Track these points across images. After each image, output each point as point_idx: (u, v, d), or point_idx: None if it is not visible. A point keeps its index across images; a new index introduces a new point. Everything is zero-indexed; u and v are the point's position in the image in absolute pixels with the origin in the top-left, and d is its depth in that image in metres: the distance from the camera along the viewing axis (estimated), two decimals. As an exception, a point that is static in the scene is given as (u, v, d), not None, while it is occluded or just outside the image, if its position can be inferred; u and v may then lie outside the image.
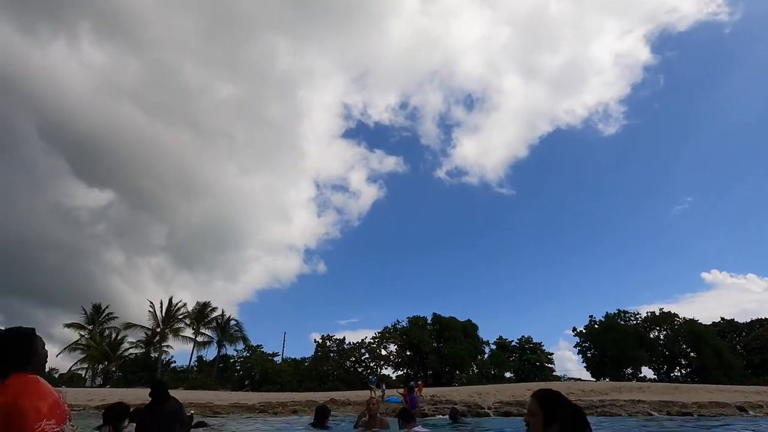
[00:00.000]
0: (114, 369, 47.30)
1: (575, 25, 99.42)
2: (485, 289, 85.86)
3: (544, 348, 53.50)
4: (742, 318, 55.26)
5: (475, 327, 53.19)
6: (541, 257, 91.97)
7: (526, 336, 54.18)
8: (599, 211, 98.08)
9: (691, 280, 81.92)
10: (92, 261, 78.32)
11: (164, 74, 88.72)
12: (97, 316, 49.16)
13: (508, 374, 51.66)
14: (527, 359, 51.80)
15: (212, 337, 48.21)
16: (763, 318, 52.64)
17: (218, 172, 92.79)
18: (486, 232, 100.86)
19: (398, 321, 52.47)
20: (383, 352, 48.22)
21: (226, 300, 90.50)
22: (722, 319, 54.83)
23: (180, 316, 47.27)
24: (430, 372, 50.39)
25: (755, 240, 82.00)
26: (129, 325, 46.45)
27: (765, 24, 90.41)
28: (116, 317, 48.90)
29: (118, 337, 47.94)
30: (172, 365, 48.98)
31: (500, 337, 54.27)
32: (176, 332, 46.32)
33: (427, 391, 30.51)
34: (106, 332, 48.51)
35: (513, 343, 53.96)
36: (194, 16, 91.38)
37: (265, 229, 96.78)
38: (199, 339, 48.28)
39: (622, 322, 51.27)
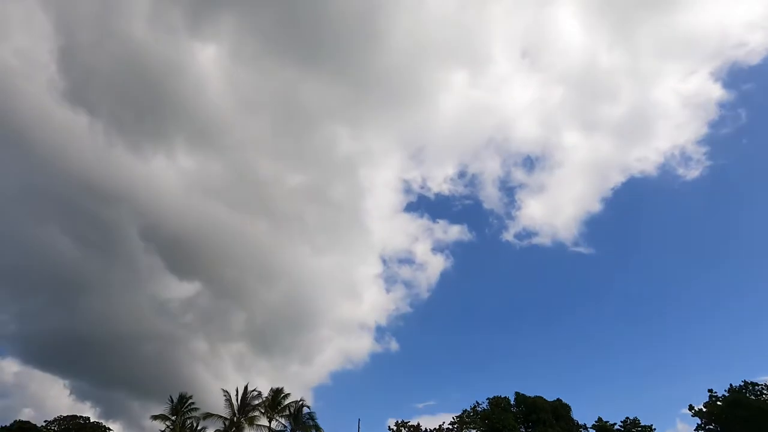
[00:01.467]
0: (193, 462, 47.36)
1: (631, 72, 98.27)
2: (573, 362, 77.38)
3: (655, 431, 45.53)
4: None
5: (567, 408, 47.12)
6: (635, 322, 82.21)
7: (631, 418, 46.68)
8: (696, 264, 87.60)
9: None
10: (182, 350, 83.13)
11: (243, 171, 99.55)
12: (180, 406, 50.72)
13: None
14: (638, 446, 44.11)
15: (286, 426, 47.19)
16: None
17: (292, 255, 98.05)
18: (566, 296, 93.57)
19: (478, 403, 48.15)
20: (464, 440, 43.87)
21: (300, 384, 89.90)
22: None
23: (255, 404, 47.32)
24: (521, 464, 44.48)
25: None
26: (208, 415, 47.14)
27: None
28: (197, 408, 50.04)
29: (198, 428, 48.57)
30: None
31: (599, 419, 47.19)
32: (251, 421, 46.05)
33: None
34: (188, 422, 49.54)
35: (617, 427, 46.55)
36: (266, 114, 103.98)
37: (336, 308, 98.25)
38: (275, 426, 47.53)
39: (753, 396, 42.64)
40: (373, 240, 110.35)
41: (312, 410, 48.44)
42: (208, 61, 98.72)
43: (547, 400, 46.68)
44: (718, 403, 44.01)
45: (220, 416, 47.12)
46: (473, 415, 46.29)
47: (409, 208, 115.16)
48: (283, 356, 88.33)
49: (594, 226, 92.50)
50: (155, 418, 48.55)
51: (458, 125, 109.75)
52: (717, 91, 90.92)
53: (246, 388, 47.25)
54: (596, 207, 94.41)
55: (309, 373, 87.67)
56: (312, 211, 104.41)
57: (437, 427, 44.84)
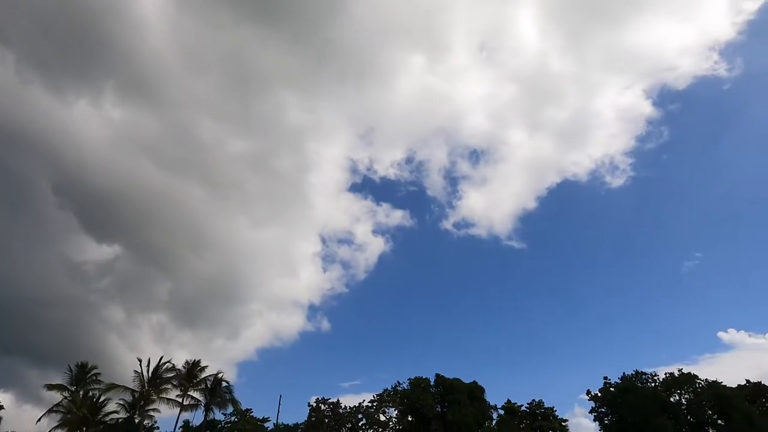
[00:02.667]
0: (93, 436, 43.91)
1: (578, 80, 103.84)
2: (493, 348, 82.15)
3: (556, 413, 49.47)
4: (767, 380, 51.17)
5: (481, 390, 49.69)
6: (553, 315, 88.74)
7: (537, 400, 50.40)
8: (610, 266, 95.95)
9: (708, 339, 78.23)
10: (94, 317, 76.49)
11: (181, 130, 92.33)
12: (83, 375, 46.62)
13: (518, 444, 47.30)
14: (539, 426, 47.63)
15: (200, 400, 45.13)
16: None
17: (228, 225, 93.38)
18: (495, 286, 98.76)
19: (399, 383, 49.31)
20: (382, 418, 44.75)
21: (225, 359, 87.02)
22: (748, 381, 50.83)
23: (168, 377, 44.65)
24: (434, 441, 46.36)
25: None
26: (111, 386, 43.69)
27: (764, 79, 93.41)
28: (101, 380, 46.22)
29: (101, 400, 45.00)
30: (155, 431, 45.54)
31: (508, 401, 50.42)
32: (160, 394, 43.46)
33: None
34: (90, 394, 45.71)
35: (523, 408, 50.03)
36: (214, 72, 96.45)
37: (270, 283, 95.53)
38: (187, 402, 45.30)
39: (640, 384, 47.63)
40: (315, 217, 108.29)
41: (231, 384, 46.66)
42: (151, 4, 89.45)
43: (464, 382, 48.84)
44: (611, 389, 48.72)
45: (127, 388, 43.95)
46: (393, 394, 47.28)
47: (354, 188, 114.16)
48: (209, 330, 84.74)
49: (528, 222, 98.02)
50: (51, 387, 44.18)
51: (411, 110, 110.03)
52: (647, 108, 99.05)
53: (160, 359, 44.27)
54: (531, 204, 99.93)
55: (235, 349, 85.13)
56: (254, 180, 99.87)
57: (357, 405, 45.29)
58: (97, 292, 76.97)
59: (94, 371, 46.67)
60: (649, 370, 49.67)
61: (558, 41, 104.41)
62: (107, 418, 44.77)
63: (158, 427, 46.19)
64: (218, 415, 46.77)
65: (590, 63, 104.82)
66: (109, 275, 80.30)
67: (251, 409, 46.18)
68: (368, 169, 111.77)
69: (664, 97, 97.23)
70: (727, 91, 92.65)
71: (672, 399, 46.86)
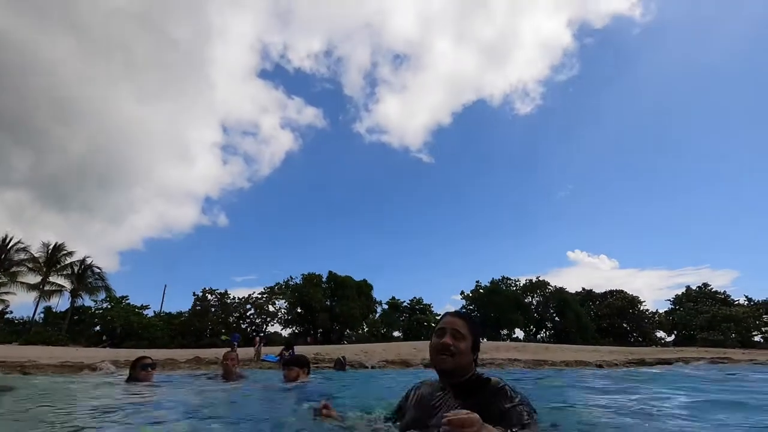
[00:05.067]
0: None
1: None
2: (385, 251, 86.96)
3: (433, 309, 55.71)
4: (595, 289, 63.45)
5: (369, 287, 53.07)
6: (443, 225, 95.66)
7: (417, 297, 55.85)
8: (501, 188, 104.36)
9: (560, 256, 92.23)
10: None
11: None
12: None
13: (397, 333, 52.81)
14: (416, 319, 53.38)
15: (63, 286, 40.79)
16: (614, 290, 61.00)
17: (109, 93, 77.24)
18: (398, 195, 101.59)
19: (291, 277, 50.13)
20: (271, 309, 45.66)
21: (104, 246, 78.13)
22: (583, 288, 62.40)
23: (20, 259, 39.03)
24: (320, 330, 49.30)
25: (608, 227, 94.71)
26: (-57, 266, 37.05)
27: (672, 29, 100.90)
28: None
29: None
30: (8, 316, 40.72)
31: (393, 298, 55.14)
32: (13, 277, 38.15)
33: (313, 349, 29.01)
34: None
35: (404, 304, 55.20)
36: None
37: (159, 168, 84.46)
38: (48, 288, 40.69)
39: (505, 288, 55.20)
40: (216, 99, 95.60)
41: (102, 270, 42.64)
42: None
43: (354, 280, 51.47)
44: (481, 290, 55.89)
45: (-35, 269, 37.61)
46: (285, 288, 48.08)
47: (264, 75, 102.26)
48: (84, 213, 74.27)
49: (439, 137, 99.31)
50: None
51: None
52: (567, 39, 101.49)
53: (6, 239, 37.98)
54: (446, 119, 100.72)
55: (116, 236, 76.88)
56: (142, 43, 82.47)
57: (246, 296, 45.25)
58: None
59: None
60: (513, 277, 57.45)
61: None
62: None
63: (11, 312, 41.23)
64: (88, 302, 43.24)
65: None
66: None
67: (127, 296, 43.37)
68: (281, 57, 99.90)
69: (582, 30, 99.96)
70: (635, 36, 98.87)
71: (527, 300, 55.52)
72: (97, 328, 41.00)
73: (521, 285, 56.88)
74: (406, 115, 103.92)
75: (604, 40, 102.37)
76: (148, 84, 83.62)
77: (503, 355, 19.87)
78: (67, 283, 41.71)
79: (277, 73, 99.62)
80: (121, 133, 78.40)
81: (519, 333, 55.07)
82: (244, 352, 20.36)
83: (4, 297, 39.68)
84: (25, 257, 39.45)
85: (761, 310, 48.29)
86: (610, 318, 55.54)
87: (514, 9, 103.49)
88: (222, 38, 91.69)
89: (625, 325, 55.45)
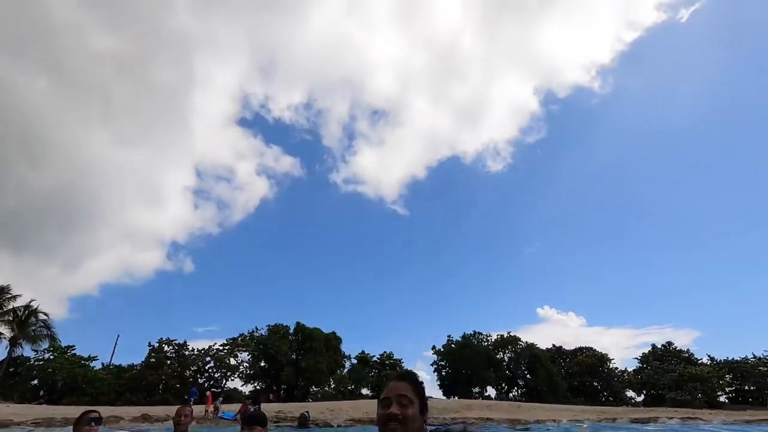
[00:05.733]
0: None
1: (484, 63, 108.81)
2: (357, 303, 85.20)
3: (403, 365, 53.83)
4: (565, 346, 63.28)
5: (339, 340, 51.15)
6: (416, 278, 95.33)
7: (387, 351, 54.02)
8: (473, 243, 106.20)
9: (530, 313, 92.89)
10: None
11: (27, 5, 70.24)
12: None
13: (365, 390, 50.33)
14: (386, 375, 51.20)
15: (2, 333, 37.27)
16: (584, 347, 61.08)
17: (82, 135, 75.95)
18: (371, 246, 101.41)
19: (257, 328, 47.81)
20: (233, 362, 42.94)
21: (55, 291, 72.96)
22: (553, 345, 62.16)
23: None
24: (284, 386, 46.44)
25: (575, 284, 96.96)
26: None
27: (627, 99, 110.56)
28: None
29: None
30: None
31: (362, 352, 53.14)
32: (-56, 322, 34.70)
33: (274, 407, 27.08)
34: None
35: (374, 359, 53.20)
36: None
37: (128, 211, 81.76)
38: (-16, 334, 37.01)
39: (476, 342, 54.32)
40: (193, 145, 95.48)
41: (48, 317, 39.38)
42: None
43: (323, 332, 49.55)
44: (453, 345, 54.74)
45: None
46: (249, 339, 45.66)
47: (244, 123, 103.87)
48: (39, 255, 69.98)
49: (414, 190, 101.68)
50: None
51: (320, 52, 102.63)
52: (533, 105, 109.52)
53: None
54: (421, 173, 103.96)
55: (71, 281, 72.38)
56: (122, 87, 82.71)
57: (207, 347, 42.51)
58: None
59: None
60: (485, 332, 56.78)
61: (475, 22, 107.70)
62: None
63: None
64: (28, 352, 39.44)
65: (497, 50, 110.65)
66: None
67: (74, 346, 39.95)
68: (262, 106, 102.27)
69: (548, 98, 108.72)
70: (595, 105, 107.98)
71: (498, 356, 54.62)
72: (35, 381, 37.12)
73: (493, 340, 56.19)
74: (383, 167, 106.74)
75: (568, 108, 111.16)
76: (125, 128, 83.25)
77: (476, 414, 19.15)
78: (6, 330, 38.15)
79: (257, 122, 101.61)
80: (92, 174, 76.53)
81: (491, 390, 53.61)
82: (199, 410, 18.75)
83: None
84: (-38, 300, 36.18)
85: (724, 370, 49.13)
86: (580, 376, 55.06)
87: (486, 75, 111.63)
88: (204, 86, 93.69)
89: (596, 384, 55.00)
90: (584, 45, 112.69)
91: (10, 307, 39.20)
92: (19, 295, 39.34)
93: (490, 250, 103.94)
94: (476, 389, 52.18)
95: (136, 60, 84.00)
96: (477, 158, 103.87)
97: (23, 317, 38.70)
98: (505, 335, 56.06)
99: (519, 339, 55.81)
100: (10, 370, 38.06)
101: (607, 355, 55.91)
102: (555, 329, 78.65)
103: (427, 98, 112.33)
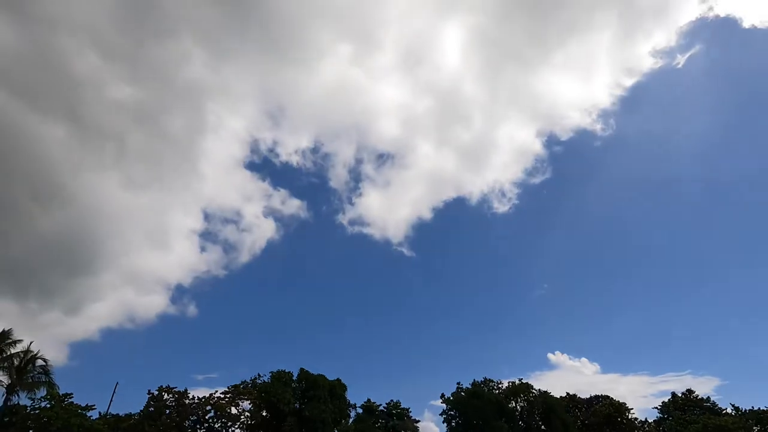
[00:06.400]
0: None
1: (486, 107, 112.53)
2: (363, 348, 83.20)
3: (411, 414, 51.44)
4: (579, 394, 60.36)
5: (344, 387, 49.30)
6: (423, 322, 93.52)
7: (394, 400, 51.82)
8: (479, 286, 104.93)
9: (541, 358, 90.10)
10: None
11: (49, 55, 74.33)
12: None
13: (371, 442, 47.84)
14: (393, 426, 48.92)
15: (0, 381, 36.38)
16: (600, 395, 58.25)
17: (95, 180, 78.04)
18: (377, 289, 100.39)
19: (260, 375, 46.41)
20: (234, 411, 41.29)
21: (55, 337, 72.20)
22: (567, 393, 59.38)
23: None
24: (286, 437, 44.29)
25: (589, 329, 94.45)
26: None
27: (627, 142, 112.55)
28: None
29: None
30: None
31: (368, 400, 50.99)
32: (-59, 368, 34.01)
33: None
34: None
35: (381, 408, 50.97)
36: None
37: (133, 254, 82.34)
38: (-18, 381, 36.13)
39: (487, 390, 52.09)
40: (202, 189, 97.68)
41: (48, 364, 38.52)
42: None
43: (327, 379, 47.89)
44: (462, 393, 52.46)
45: None
46: (251, 387, 44.18)
47: (252, 167, 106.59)
48: (42, 300, 70.05)
49: (420, 231, 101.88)
50: None
51: (327, 99, 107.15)
52: (537, 146, 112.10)
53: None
54: (427, 215, 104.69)
55: (72, 326, 71.98)
56: (137, 134, 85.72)
57: (208, 395, 41.07)
58: None
59: None
60: (495, 379, 54.58)
61: (476, 68, 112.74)
62: None
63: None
64: (25, 400, 38.24)
65: (499, 95, 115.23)
66: None
67: (71, 394, 38.77)
68: (270, 151, 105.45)
69: (551, 140, 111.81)
70: (597, 147, 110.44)
71: (510, 405, 52.14)
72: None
73: (504, 388, 53.90)
74: (389, 209, 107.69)
75: (571, 149, 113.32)
76: (136, 172, 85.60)
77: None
78: (4, 378, 37.23)
79: (265, 166, 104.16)
80: (100, 218, 77.83)
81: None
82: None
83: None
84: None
85: (751, 421, 46.44)
86: (598, 427, 52.20)
87: (489, 118, 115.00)
88: (214, 132, 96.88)
89: (614, 436, 52.03)
90: (584, 90, 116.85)
91: (9, 353, 38.58)
92: (20, 341, 38.74)
93: (498, 292, 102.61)
94: (488, 441, 49.42)
95: (151, 108, 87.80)
96: (483, 199, 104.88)
97: (22, 364, 37.90)
98: (517, 382, 53.82)
99: (531, 387, 53.48)
100: (5, 419, 36.78)
101: (626, 404, 53.26)
102: (568, 376, 75.74)
103: (431, 141, 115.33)
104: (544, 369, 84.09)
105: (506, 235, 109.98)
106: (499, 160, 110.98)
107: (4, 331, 37.86)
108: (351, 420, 49.32)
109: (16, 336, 38.70)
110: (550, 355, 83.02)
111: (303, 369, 47.59)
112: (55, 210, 74.88)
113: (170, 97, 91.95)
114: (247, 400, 42.37)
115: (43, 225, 71.88)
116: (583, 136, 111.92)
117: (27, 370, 37.73)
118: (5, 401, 37.29)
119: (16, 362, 38.11)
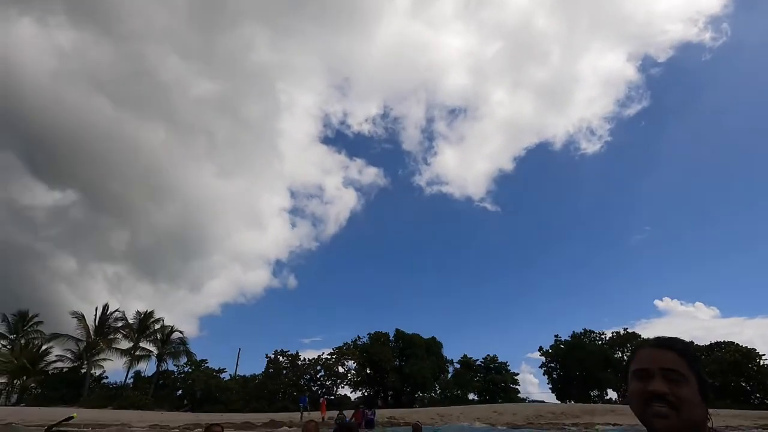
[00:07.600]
0: (34, 385, 41.83)
1: (562, 41, 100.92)
2: (454, 306, 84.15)
3: (509, 368, 51.65)
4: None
5: (439, 345, 50.88)
6: (514, 277, 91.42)
7: (491, 355, 52.28)
8: (573, 234, 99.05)
9: (646, 306, 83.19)
10: (38, 266, 70.82)
11: (141, 65, 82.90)
12: (22, 324, 43.88)
13: (471, 395, 49.27)
14: (492, 379, 49.65)
15: (151, 351, 43.67)
16: (722, 341, 52.87)
17: (193, 173, 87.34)
18: (462, 246, 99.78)
19: (359, 337, 49.62)
20: (341, 370, 45.05)
21: (186, 312, 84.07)
22: (683, 341, 54.72)
23: (117, 326, 42.80)
24: (391, 392, 47.41)
25: (703, 271, 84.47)
26: (55, 336, 41.48)
27: (746, 52, 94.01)
28: (45, 329, 43.64)
29: (42, 349, 42.62)
30: (104, 381, 43.92)
31: (465, 356, 52.08)
32: (109, 344, 41.62)
33: (386, 413, 27.81)
34: (31, 345, 43.29)
35: (478, 363, 51.82)
36: (178, 5, 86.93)
37: (235, 236, 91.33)
38: (139, 353, 43.83)
39: (588, 342, 50.16)
40: (285, 168, 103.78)
41: (184, 336, 45.33)
42: None
43: (422, 338, 49.72)
44: (561, 346, 51.18)
45: (72, 337, 41.81)
46: (353, 348, 47.53)
47: (327, 141, 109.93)
48: (170, 282, 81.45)
49: (502, 185, 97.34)
50: (-14, 336, 41.35)
51: (390, 61, 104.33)
52: (629, 72, 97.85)
53: (106, 307, 42.07)
54: (508, 166, 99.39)
55: (197, 302, 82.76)
56: (221, 125, 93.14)
57: (317, 357, 45.22)
58: (47, 239, 70.89)
59: (35, 320, 44.07)
60: (597, 330, 52.17)
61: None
62: (50, 368, 42.68)
63: (107, 377, 44.57)
64: (171, 366, 45.65)
65: (577, 23, 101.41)
66: (60, 222, 74.11)
67: (206, 360, 45.24)
68: (342, 123, 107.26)
69: (646, 63, 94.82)
70: (706, 62, 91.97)
71: (616, 355, 49.78)
72: (179, 392, 42.68)
73: (607, 339, 51.42)
74: (466, 165, 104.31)
75: (672, 69, 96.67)
76: (226, 161, 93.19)
77: (599, 419, 17.66)
78: (154, 349, 44.69)
79: (339, 138, 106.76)
80: (202, 206, 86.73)
81: (612, 393, 48.97)
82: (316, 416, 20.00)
83: (102, 363, 43.29)
84: (122, 325, 43.21)
85: None
86: (723, 375, 47.72)
87: (568, 51, 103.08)
88: (288, 112, 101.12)
89: (743, 385, 47.27)
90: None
91: (155, 328, 46.00)
92: (162, 318, 45.98)
93: (594, 240, 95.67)
94: (594, 392, 48.10)
95: (229, 98, 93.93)
96: (569, 141, 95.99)
97: (164, 337, 45.06)
98: (622, 332, 50.94)
99: (638, 336, 50.26)
100: (159, 382, 44.35)
101: (756, 350, 47.79)
102: (680, 323, 69.51)
103: (505, 87, 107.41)
104: (651, 317, 77.76)
105: (598, 177, 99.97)
106: (584, 96, 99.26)
107: (147, 312, 45.13)
108: (450, 375, 51.00)
109: (156, 315, 46.14)
110: (657, 302, 76.39)
111: (398, 329, 49.93)
112: (166, 203, 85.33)
113: (244, 84, 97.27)
114: (351, 359, 45.76)
115: (159, 219, 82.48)
116: (687, 51, 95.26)
117: (169, 341, 44.87)
118: (157, 367, 45.02)
119: (159, 336, 45.57)
